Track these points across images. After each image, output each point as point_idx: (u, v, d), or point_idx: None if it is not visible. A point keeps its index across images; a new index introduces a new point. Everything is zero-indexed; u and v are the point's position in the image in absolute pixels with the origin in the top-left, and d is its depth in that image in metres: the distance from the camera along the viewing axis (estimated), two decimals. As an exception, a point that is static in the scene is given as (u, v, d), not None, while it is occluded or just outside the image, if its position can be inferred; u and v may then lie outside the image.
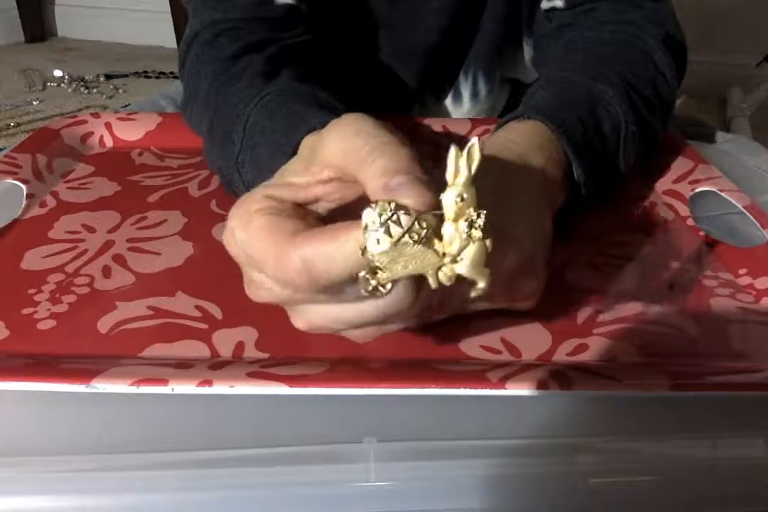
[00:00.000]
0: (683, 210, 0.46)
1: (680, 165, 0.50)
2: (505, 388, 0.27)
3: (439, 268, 0.24)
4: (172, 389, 0.27)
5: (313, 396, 0.28)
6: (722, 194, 0.45)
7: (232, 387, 0.27)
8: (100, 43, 2.19)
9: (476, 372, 0.29)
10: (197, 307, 0.35)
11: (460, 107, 0.62)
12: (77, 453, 0.26)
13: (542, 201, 0.35)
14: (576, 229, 0.42)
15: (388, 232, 0.22)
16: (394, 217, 0.22)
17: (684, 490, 0.27)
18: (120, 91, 1.74)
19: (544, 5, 0.54)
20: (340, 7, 0.54)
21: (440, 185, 0.24)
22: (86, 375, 0.28)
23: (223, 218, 0.43)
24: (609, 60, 0.46)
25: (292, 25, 0.50)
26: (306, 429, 0.28)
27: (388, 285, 0.23)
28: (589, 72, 0.44)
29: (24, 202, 0.44)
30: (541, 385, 0.27)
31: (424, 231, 0.23)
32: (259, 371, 0.28)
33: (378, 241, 0.22)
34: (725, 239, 0.42)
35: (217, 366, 0.29)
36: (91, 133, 0.55)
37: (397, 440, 0.27)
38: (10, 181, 0.45)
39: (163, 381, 0.27)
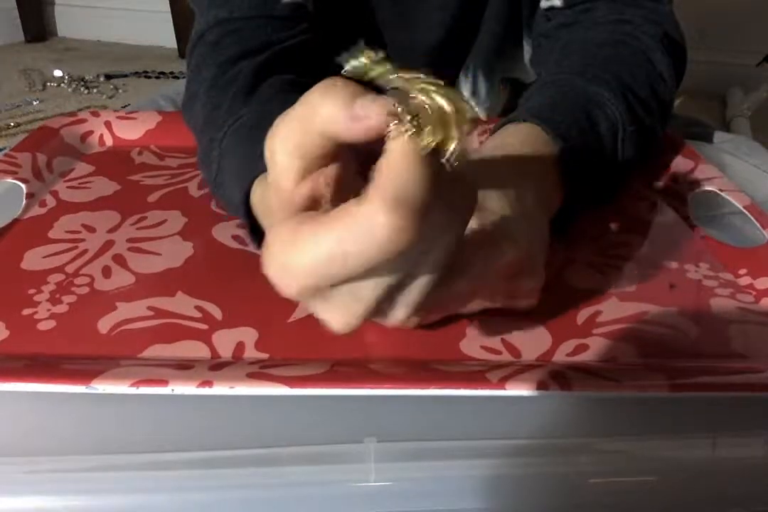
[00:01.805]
0: (683, 210, 0.46)
1: (680, 165, 0.50)
2: (505, 389, 0.27)
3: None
4: (172, 390, 0.27)
5: (313, 397, 0.28)
6: (722, 194, 0.45)
7: (232, 388, 0.27)
8: (100, 43, 2.19)
9: (476, 373, 0.29)
10: (197, 308, 0.35)
11: None
12: (77, 454, 0.26)
13: (539, 202, 0.35)
14: (576, 229, 0.41)
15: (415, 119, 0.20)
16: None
17: (684, 490, 0.27)
18: (120, 91, 1.74)
19: (543, 4, 0.54)
20: (343, 5, 0.54)
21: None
22: (86, 376, 0.27)
23: (223, 218, 0.44)
24: (606, 61, 0.45)
25: (296, 23, 0.50)
26: (306, 429, 0.28)
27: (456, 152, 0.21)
28: (586, 74, 0.44)
29: (24, 202, 0.44)
30: (541, 386, 0.27)
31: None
32: (260, 372, 0.28)
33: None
34: (725, 239, 0.42)
35: (217, 367, 0.29)
36: (91, 132, 0.55)
37: (397, 440, 0.27)
38: (9, 180, 0.45)
39: (163, 382, 0.27)
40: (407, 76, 0.22)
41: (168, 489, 0.25)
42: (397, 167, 0.20)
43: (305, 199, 0.24)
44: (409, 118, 0.21)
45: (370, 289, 0.23)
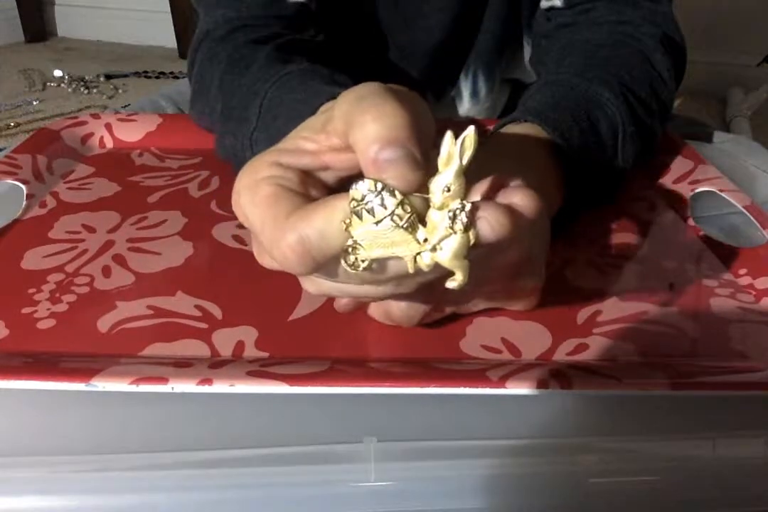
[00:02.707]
0: (683, 210, 0.46)
1: (680, 165, 0.50)
2: (506, 387, 0.27)
3: (419, 254, 0.23)
4: (172, 388, 0.27)
5: (313, 396, 0.28)
6: (722, 194, 0.45)
7: (232, 386, 0.27)
8: (100, 43, 2.19)
9: (477, 371, 0.29)
10: (197, 307, 0.35)
11: (460, 106, 0.63)
12: (77, 454, 0.26)
13: None
14: (576, 229, 0.41)
15: (371, 213, 0.22)
16: (379, 199, 0.22)
17: (684, 490, 0.27)
18: (120, 91, 1.75)
19: (544, 4, 0.54)
20: (345, 6, 0.54)
21: (434, 168, 0.24)
22: (86, 373, 0.27)
23: (223, 218, 0.44)
24: (605, 62, 0.46)
25: (304, 24, 0.50)
26: (306, 429, 0.28)
27: (368, 263, 0.23)
28: (586, 74, 0.44)
29: (24, 203, 0.44)
30: (542, 384, 0.27)
31: (408, 215, 0.23)
32: (259, 370, 0.28)
33: (361, 219, 0.22)
34: (725, 239, 0.42)
35: (216, 365, 0.29)
36: (92, 134, 0.55)
37: (397, 440, 0.27)
38: (10, 181, 0.45)
39: (163, 379, 0.27)
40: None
41: (168, 489, 0.25)
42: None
43: (320, 164, 0.27)
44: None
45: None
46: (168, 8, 1.98)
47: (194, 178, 0.50)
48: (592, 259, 0.40)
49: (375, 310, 0.32)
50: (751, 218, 0.42)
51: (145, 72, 1.88)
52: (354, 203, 0.23)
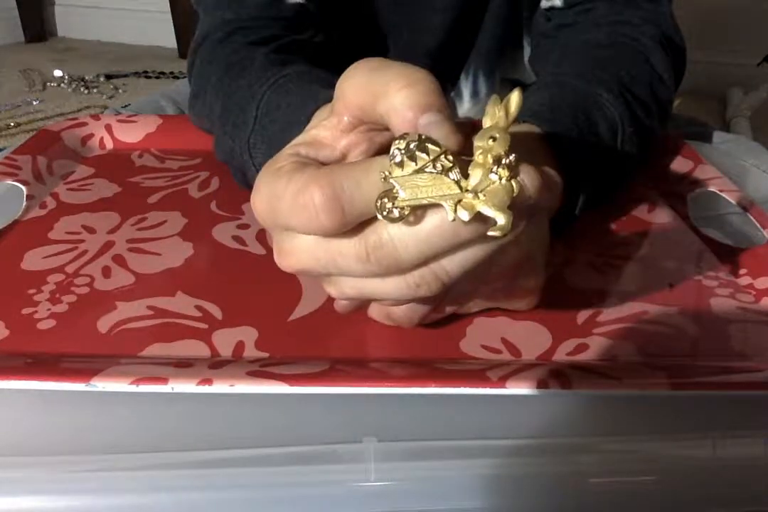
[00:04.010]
0: (683, 210, 0.46)
1: (680, 165, 0.50)
2: (506, 387, 0.27)
3: (459, 201, 0.22)
4: (172, 388, 0.27)
5: (313, 396, 0.28)
6: (722, 194, 0.45)
7: (232, 386, 0.27)
8: (100, 43, 2.19)
9: (476, 371, 0.29)
10: (197, 307, 0.35)
11: (460, 106, 0.63)
12: (78, 454, 0.26)
13: None
14: (576, 229, 0.41)
15: (414, 159, 0.22)
16: (422, 146, 0.22)
17: (684, 490, 0.27)
18: (120, 91, 1.75)
19: (544, 4, 0.54)
20: (344, 7, 0.54)
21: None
22: (86, 374, 0.27)
23: (223, 219, 0.44)
24: (604, 62, 0.45)
25: (303, 25, 0.50)
26: (306, 429, 0.28)
27: (405, 211, 0.22)
28: (585, 75, 0.44)
29: (24, 203, 0.44)
30: (542, 384, 0.27)
31: (450, 164, 0.22)
32: (259, 370, 0.28)
33: (402, 166, 0.22)
34: (725, 239, 0.42)
35: (216, 365, 0.29)
36: (92, 135, 0.55)
37: (397, 440, 0.26)
38: (10, 182, 0.45)
39: (162, 380, 0.27)
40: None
41: (168, 489, 0.25)
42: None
43: (338, 154, 0.26)
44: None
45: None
46: (168, 8, 1.98)
47: (194, 178, 0.50)
48: (592, 260, 0.40)
49: (375, 311, 0.32)
50: (751, 218, 0.42)
51: (145, 72, 1.88)
52: (396, 152, 0.22)
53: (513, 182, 0.23)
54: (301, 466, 0.26)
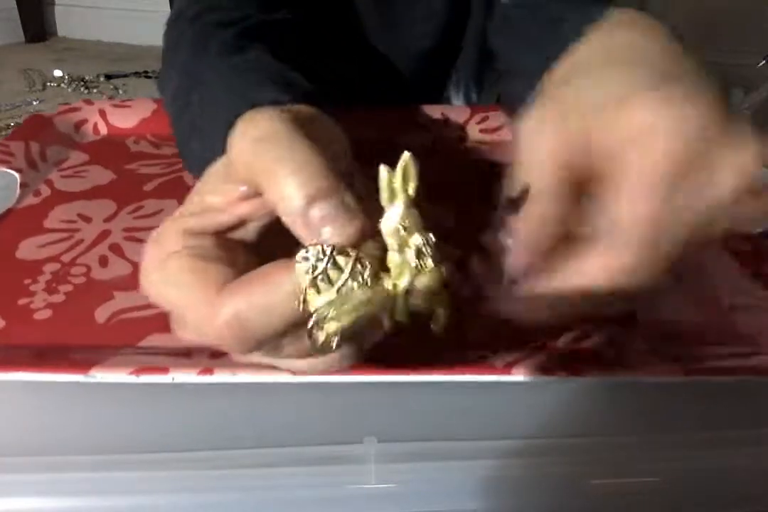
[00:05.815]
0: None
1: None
2: (511, 374, 0.27)
3: (393, 305, 0.21)
4: (173, 378, 0.26)
5: (313, 396, 0.27)
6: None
7: (234, 374, 0.26)
8: (100, 43, 2.19)
9: (481, 359, 0.28)
10: (197, 296, 0.34)
11: None
12: (77, 454, 0.26)
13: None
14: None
15: (328, 281, 0.20)
16: (331, 264, 0.20)
17: (684, 490, 0.26)
18: (120, 91, 1.75)
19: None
20: (329, 15, 0.54)
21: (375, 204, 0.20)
22: (84, 364, 0.27)
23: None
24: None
25: (275, 4, 0.49)
26: (306, 429, 0.28)
27: (338, 338, 0.20)
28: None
29: (18, 191, 0.43)
30: (548, 371, 0.27)
31: (368, 269, 0.20)
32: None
33: (319, 292, 0.20)
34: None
35: (217, 354, 0.28)
36: (85, 121, 0.53)
37: (397, 441, 0.26)
38: (3, 169, 0.45)
39: (163, 369, 0.27)
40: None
41: (168, 489, 0.24)
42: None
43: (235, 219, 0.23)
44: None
45: None
46: (168, 8, 1.98)
47: (192, 166, 0.49)
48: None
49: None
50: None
51: (145, 72, 1.87)
52: (306, 277, 0.20)
53: (442, 267, 0.20)
54: (300, 467, 0.25)
